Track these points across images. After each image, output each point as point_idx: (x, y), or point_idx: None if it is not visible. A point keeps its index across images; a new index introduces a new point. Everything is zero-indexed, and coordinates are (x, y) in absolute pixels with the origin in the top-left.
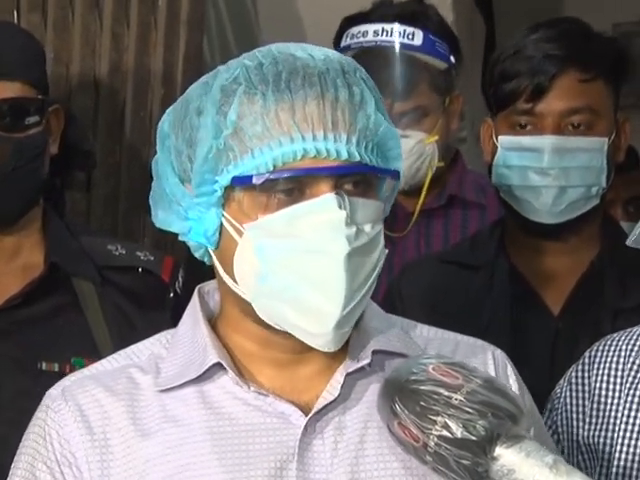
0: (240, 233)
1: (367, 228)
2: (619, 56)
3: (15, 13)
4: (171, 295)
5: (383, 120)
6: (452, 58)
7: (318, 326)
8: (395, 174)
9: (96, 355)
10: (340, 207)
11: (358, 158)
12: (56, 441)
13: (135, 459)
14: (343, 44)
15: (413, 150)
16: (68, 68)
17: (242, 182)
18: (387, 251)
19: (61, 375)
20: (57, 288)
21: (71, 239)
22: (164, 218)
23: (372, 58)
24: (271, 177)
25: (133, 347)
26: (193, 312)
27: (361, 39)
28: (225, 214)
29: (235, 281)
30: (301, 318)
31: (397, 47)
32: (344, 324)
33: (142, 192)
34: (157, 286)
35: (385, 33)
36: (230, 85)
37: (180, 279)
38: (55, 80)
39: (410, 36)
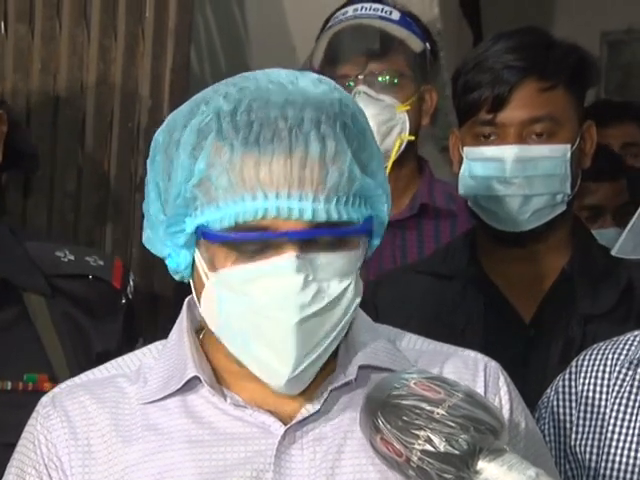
0: (207, 276)
1: (333, 284)
2: (581, 63)
3: (2, 23)
4: (123, 301)
5: (358, 174)
6: (427, 44)
7: (272, 379)
8: (364, 230)
9: (49, 370)
10: (299, 271)
11: (324, 218)
12: (44, 445)
13: (115, 465)
14: (325, 28)
15: (384, 111)
16: (55, 78)
17: (203, 235)
18: (359, 300)
19: (14, 393)
20: (6, 302)
21: (17, 247)
22: (148, 237)
23: (351, 31)
24: (225, 238)
25: (125, 357)
26: (180, 324)
27: (341, 17)
28: (197, 253)
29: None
30: (256, 367)
31: (375, 18)
32: (299, 379)
33: (130, 202)
34: (108, 293)
35: (364, 9)
36: (204, 128)
37: (131, 283)
38: (42, 90)
39: (388, 12)
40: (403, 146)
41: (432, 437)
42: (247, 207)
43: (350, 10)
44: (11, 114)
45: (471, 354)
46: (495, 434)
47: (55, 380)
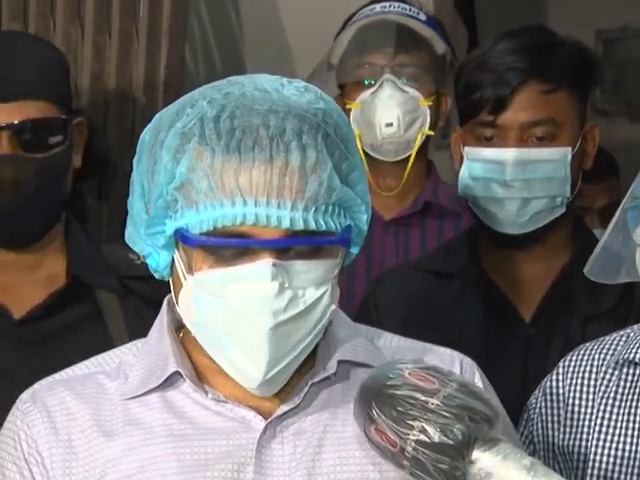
0: (185, 278)
1: (309, 292)
2: (585, 65)
3: None
4: None
5: (338, 184)
6: (448, 49)
7: (245, 382)
8: (341, 240)
9: None
10: (274, 278)
11: (302, 226)
12: (24, 441)
13: (97, 459)
14: (348, 23)
15: (409, 101)
16: None
17: (182, 238)
18: (334, 307)
19: None
20: (79, 299)
21: (92, 249)
22: (130, 234)
23: (380, 24)
24: (203, 243)
25: (104, 355)
26: (160, 322)
27: (368, 12)
28: (176, 254)
29: None
30: (230, 369)
31: (403, 16)
32: (272, 383)
33: (124, 201)
34: None
35: (392, 7)
36: (187, 132)
37: None
38: None
39: (415, 12)
40: (422, 139)
41: (427, 427)
42: (226, 212)
43: (378, 7)
44: (90, 121)
45: (447, 351)
46: (490, 423)
47: None
